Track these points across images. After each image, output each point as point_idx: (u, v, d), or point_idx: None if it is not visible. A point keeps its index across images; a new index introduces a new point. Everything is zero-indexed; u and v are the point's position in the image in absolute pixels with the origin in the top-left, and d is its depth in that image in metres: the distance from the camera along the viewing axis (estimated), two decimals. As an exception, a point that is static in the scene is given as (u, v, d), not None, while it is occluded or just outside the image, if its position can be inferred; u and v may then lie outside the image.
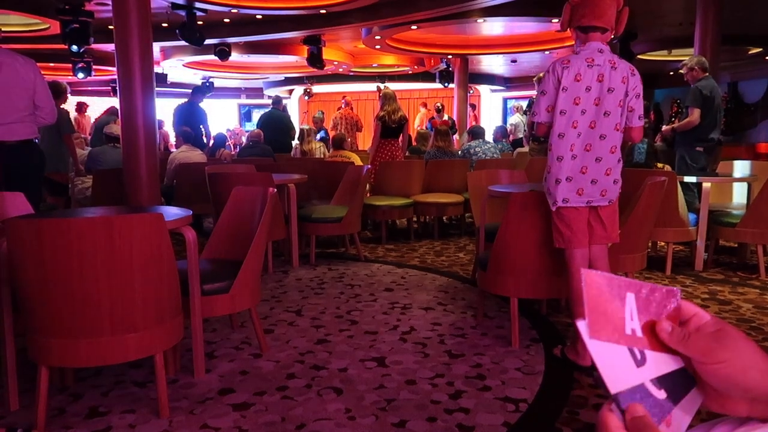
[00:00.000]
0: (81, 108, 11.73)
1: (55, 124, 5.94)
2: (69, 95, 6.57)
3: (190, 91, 8.31)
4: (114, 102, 9.25)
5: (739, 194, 5.13)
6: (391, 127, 6.45)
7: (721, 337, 0.54)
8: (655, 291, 0.55)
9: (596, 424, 0.54)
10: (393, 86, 12.18)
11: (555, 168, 2.61)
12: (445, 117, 11.29)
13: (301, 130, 7.31)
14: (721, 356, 0.53)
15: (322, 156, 7.51)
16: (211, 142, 8.72)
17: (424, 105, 15.10)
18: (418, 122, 14.16)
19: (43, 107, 3.69)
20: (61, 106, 6.25)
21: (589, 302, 0.52)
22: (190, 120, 7.41)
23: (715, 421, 0.60)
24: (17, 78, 3.54)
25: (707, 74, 5.14)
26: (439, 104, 11.66)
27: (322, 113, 11.36)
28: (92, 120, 12.70)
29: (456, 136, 9.14)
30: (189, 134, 6.66)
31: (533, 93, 7.70)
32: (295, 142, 8.97)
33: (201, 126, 7.86)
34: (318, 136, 10.61)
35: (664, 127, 5.52)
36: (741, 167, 5.44)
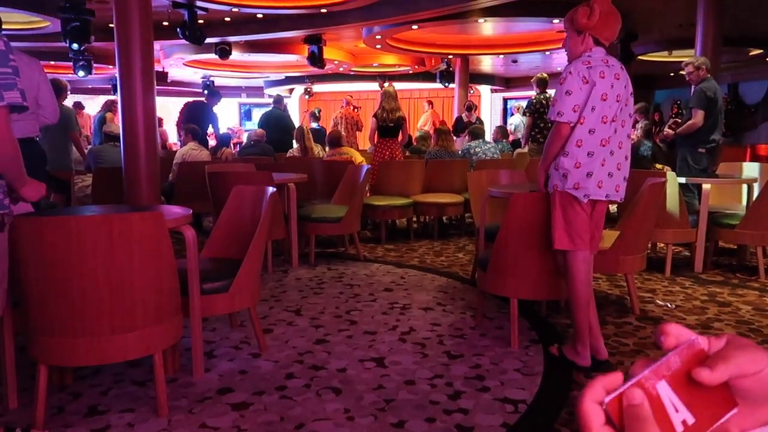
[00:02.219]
0: (77, 107, 11.68)
1: (60, 122, 6.02)
2: (68, 93, 6.57)
3: (202, 91, 8.34)
4: (112, 99, 9.23)
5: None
6: (388, 126, 6.43)
7: (741, 344, 0.49)
8: (676, 356, 0.47)
9: (577, 416, 0.50)
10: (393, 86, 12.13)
11: (585, 162, 2.61)
12: (475, 117, 11.25)
13: (299, 128, 7.28)
14: (762, 358, 0.47)
15: (320, 155, 7.48)
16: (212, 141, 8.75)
17: (430, 103, 14.82)
18: (422, 122, 14.00)
19: (45, 106, 3.69)
20: (65, 104, 6.30)
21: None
22: (199, 120, 7.44)
23: None
24: (21, 76, 3.53)
25: (709, 75, 5.15)
26: (470, 102, 11.56)
27: (319, 110, 11.39)
28: (91, 118, 12.70)
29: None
30: (197, 131, 6.67)
31: (533, 93, 7.69)
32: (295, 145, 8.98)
33: (211, 125, 7.93)
34: (312, 126, 10.66)
35: (666, 130, 5.50)
36: (749, 169, 5.43)
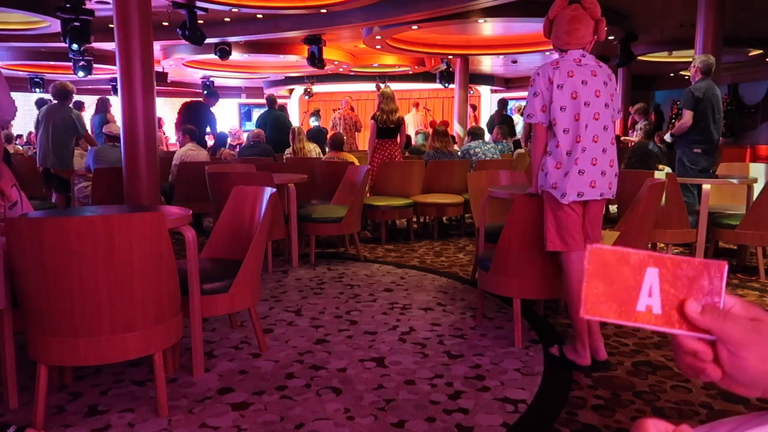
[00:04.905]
0: (79, 107, 11.69)
1: (66, 124, 6.18)
2: (74, 96, 6.69)
3: (202, 91, 8.32)
4: (109, 98, 9.23)
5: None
6: (388, 127, 6.42)
7: (759, 328, 0.48)
8: (690, 265, 0.49)
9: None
10: (393, 86, 12.17)
11: (565, 161, 2.65)
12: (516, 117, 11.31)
13: (292, 130, 7.24)
14: (757, 351, 0.47)
15: (317, 156, 7.45)
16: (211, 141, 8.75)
17: (416, 105, 14.83)
18: (412, 123, 13.96)
19: (1, 105, 3.65)
20: (72, 108, 6.43)
21: (589, 277, 0.48)
22: (197, 120, 7.44)
23: (713, 423, 0.60)
24: None
25: (705, 77, 5.13)
26: (519, 104, 11.61)
27: (318, 110, 11.51)
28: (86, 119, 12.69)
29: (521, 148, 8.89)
30: (195, 132, 6.68)
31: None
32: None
33: (209, 127, 7.94)
34: (312, 121, 10.70)
35: (669, 133, 5.53)
36: (755, 171, 5.43)
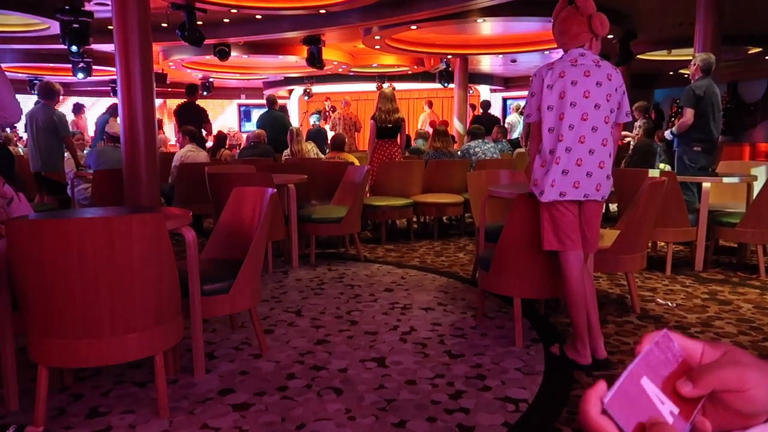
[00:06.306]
0: (79, 109, 11.70)
1: (51, 125, 6.10)
2: (63, 96, 6.59)
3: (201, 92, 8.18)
4: (114, 101, 9.22)
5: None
6: (386, 127, 6.40)
7: (735, 359, 0.50)
8: (654, 352, 0.49)
9: (585, 427, 0.50)
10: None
11: (548, 160, 2.67)
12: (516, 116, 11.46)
13: (290, 131, 7.20)
14: (751, 379, 0.48)
15: (315, 156, 7.44)
16: (210, 142, 8.73)
17: (429, 104, 14.84)
18: (421, 122, 14.01)
19: (5, 107, 3.65)
20: (57, 108, 6.34)
21: (622, 420, 0.46)
22: (191, 119, 7.42)
23: None
24: None
25: (705, 75, 5.13)
26: (518, 103, 11.68)
27: (320, 111, 11.60)
28: (90, 121, 12.70)
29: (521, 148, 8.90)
30: (194, 133, 6.67)
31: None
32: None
33: (203, 125, 7.90)
34: (312, 120, 10.76)
35: (669, 130, 5.53)
36: (757, 171, 5.43)
